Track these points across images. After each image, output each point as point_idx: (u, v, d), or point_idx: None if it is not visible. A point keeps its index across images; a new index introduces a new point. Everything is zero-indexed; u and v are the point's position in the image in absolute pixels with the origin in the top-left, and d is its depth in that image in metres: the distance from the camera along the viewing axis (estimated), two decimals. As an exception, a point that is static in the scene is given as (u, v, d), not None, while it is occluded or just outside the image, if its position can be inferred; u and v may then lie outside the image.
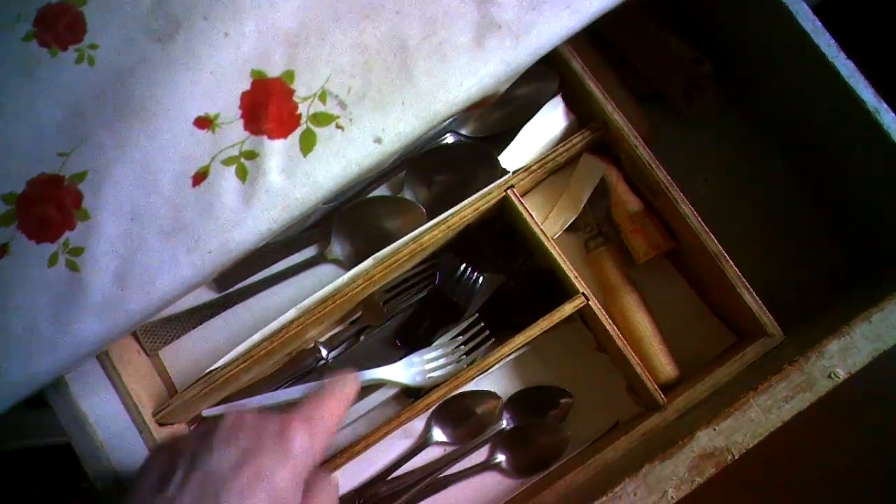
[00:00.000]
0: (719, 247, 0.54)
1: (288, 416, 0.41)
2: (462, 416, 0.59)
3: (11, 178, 0.47)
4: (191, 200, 0.46)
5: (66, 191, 0.46)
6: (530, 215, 0.56)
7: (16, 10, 0.49)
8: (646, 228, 0.58)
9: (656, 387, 0.54)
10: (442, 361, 0.58)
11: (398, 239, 0.57)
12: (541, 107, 0.60)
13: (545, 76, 0.60)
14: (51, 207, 0.46)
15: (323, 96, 0.47)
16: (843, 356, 0.48)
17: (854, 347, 0.48)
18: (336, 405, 0.43)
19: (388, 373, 0.57)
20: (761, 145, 0.64)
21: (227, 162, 0.47)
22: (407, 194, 0.62)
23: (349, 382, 0.45)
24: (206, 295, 0.61)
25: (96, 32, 0.48)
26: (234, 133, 0.47)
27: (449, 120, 0.50)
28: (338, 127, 0.47)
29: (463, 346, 0.58)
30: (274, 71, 0.48)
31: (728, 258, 0.54)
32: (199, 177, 0.47)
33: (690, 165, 0.63)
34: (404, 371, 0.57)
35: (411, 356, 0.58)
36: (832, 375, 0.47)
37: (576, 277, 0.55)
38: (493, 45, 0.47)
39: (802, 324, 0.55)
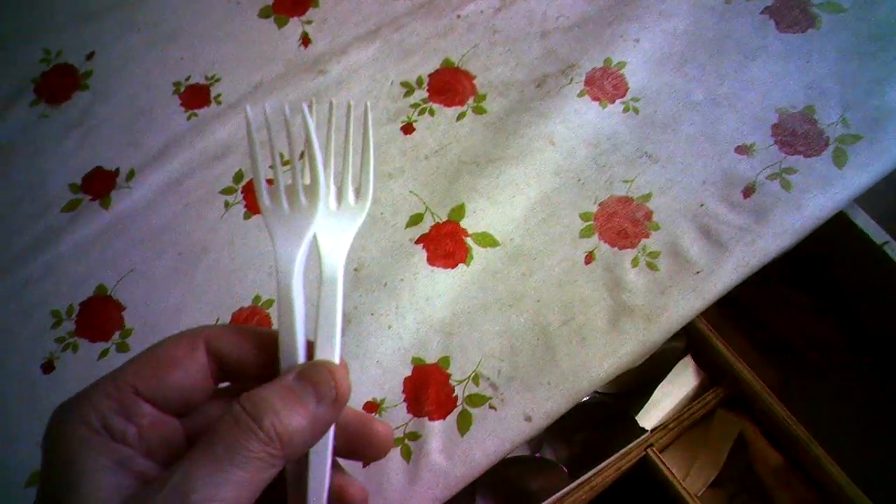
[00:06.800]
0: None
1: None
2: None
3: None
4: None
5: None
6: (672, 473, 0.58)
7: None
8: (791, 485, 0.58)
9: None
10: None
11: (542, 499, 0.59)
12: (669, 364, 0.64)
13: (673, 336, 0.64)
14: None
15: (476, 379, 0.53)
16: None
17: None
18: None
19: None
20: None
21: (393, 443, 0.52)
22: (547, 452, 0.65)
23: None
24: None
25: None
26: (398, 416, 0.53)
27: (590, 391, 0.54)
28: (491, 407, 0.52)
29: None
30: (431, 357, 0.54)
31: (883, 518, 0.53)
32: (369, 458, 0.52)
33: (827, 415, 0.63)
34: None
35: None
36: None
37: (726, 540, 0.55)
38: (627, 327, 0.52)
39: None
